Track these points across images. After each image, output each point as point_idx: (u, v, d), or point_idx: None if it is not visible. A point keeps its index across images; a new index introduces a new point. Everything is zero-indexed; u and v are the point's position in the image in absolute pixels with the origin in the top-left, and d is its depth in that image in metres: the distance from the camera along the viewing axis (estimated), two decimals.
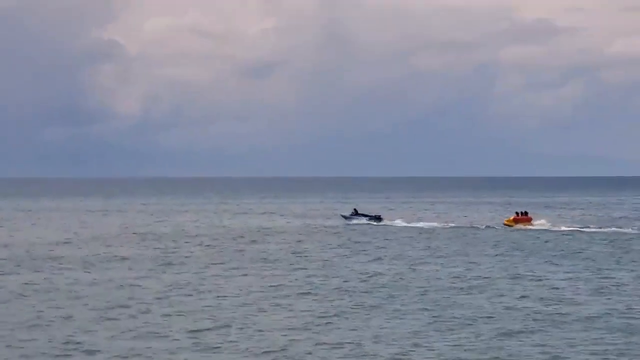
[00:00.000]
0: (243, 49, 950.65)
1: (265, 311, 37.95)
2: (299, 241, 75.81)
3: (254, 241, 75.67)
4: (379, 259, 60.71)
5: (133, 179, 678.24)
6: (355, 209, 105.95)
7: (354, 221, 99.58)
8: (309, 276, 50.26)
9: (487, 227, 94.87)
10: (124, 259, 60.64)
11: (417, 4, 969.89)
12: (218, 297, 42.34)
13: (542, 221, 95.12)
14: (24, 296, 43.18)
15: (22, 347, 31.12)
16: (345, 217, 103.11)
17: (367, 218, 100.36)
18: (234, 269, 54.36)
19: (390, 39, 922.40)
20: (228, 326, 34.42)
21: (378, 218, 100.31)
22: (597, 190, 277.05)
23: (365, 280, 48.43)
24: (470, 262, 58.45)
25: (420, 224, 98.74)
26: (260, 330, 33.51)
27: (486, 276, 50.58)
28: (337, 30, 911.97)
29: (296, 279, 48.95)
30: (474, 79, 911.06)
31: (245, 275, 51.19)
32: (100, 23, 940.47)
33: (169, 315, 37.26)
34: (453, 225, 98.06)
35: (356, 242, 74.69)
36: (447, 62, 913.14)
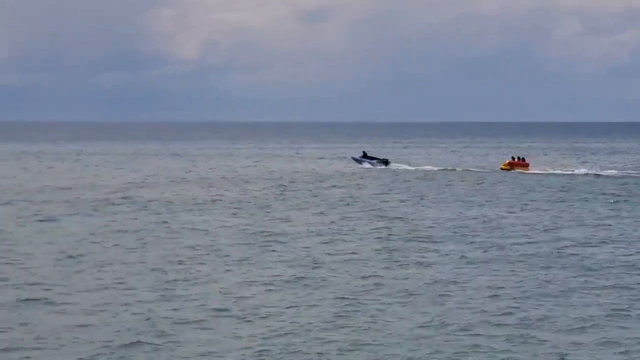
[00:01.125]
0: None
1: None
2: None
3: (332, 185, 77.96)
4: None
5: (191, 123, 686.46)
6: (364, 152, 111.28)
7: (365, 164, 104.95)
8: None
9: (486, 170, 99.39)
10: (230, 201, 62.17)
11: None
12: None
13: (537, 170, 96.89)
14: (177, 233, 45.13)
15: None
16: (355, 160, 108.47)
17: (375, 161, 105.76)
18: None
19: None
20: None
21: (386, 162, 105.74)
22: None
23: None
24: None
25: (427, 167, 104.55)
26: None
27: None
28: None
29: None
30: (531, 23, 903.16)
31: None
32: None
33: None
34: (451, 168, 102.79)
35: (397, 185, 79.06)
36: (504, 5, 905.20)
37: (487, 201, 63.36)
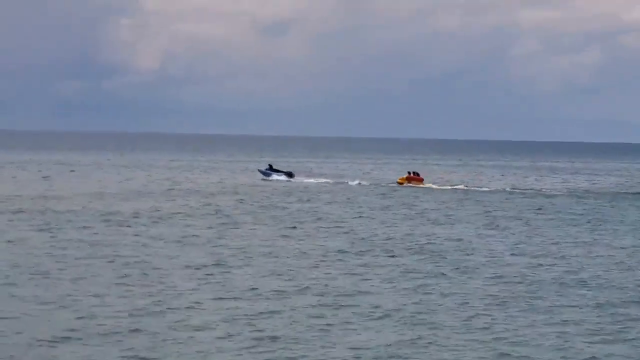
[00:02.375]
0: (260, 5, 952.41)
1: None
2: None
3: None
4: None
5: (148, 134, 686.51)
6: (270, 164, 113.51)
7: (273, 177, 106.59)
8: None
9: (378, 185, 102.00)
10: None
11: None
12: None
13: (430, 184, 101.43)
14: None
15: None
16: (261, 172, 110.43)
17: (281, 174, 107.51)
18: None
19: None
20: None
21: (290, 174, 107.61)
22: (600, 156, 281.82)
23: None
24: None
25: (322, 180, 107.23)
26: None
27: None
28: None
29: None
30: (492, 41, 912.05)
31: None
32: None
33: None
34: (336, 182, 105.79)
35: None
36: (465, 23, 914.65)
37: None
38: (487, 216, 65.72)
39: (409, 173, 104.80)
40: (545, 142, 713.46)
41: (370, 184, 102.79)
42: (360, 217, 63.43)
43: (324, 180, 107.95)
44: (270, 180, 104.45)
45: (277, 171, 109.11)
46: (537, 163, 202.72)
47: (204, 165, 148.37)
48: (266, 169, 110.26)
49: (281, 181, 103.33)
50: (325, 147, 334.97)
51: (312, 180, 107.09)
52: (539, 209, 72.74)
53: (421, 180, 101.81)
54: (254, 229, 54.23)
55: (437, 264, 41.40)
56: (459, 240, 50.58)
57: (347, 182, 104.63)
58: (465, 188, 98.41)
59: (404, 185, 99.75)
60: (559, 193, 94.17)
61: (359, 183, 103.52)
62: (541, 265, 41.73)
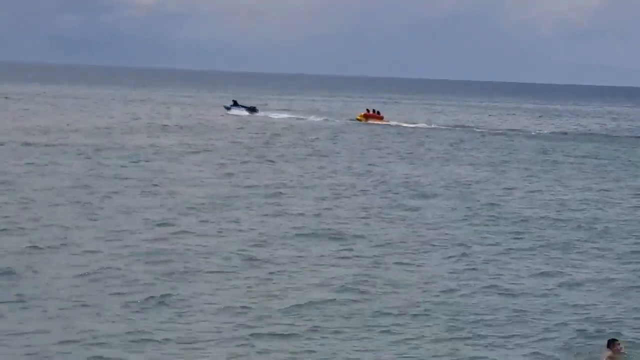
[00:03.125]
0: None
1: None
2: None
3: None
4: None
5: (144, 69, 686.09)
6: (234, 100, 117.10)
7: (233, 111, 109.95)
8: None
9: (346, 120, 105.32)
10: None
11: None
12: None
13: (389, 122, 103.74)
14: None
15: None
16: (226, 108, 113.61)
17: (244, 109, 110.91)
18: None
19: None
20: None
21: (253, 109, 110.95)
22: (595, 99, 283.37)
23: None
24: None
25: (285, 115, 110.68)
26: None
27: None
28: None
29: None
30: None
31: None
32: None
33: None
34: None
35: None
36: None
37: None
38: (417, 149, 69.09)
39: (368, 110, 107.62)
40: (541, 84, 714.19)
41: (328, 119, 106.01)
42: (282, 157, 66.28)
43: (287, 115, 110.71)
44: (233, 115, 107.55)
45: (241, 106, 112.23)
46: (523, 105, 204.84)
47: (180, 101, 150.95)
48: (230, 105, 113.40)
49: (243, 115, 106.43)
50: (312, 85, 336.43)
51: (275, 115, 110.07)
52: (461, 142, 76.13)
53: (381, 118, 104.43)
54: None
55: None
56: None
57: (309, 118, 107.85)
58: (427, 126, 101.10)
59: (363, 122, 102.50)
60: (499, 131, 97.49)
61: (324, 119, 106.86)
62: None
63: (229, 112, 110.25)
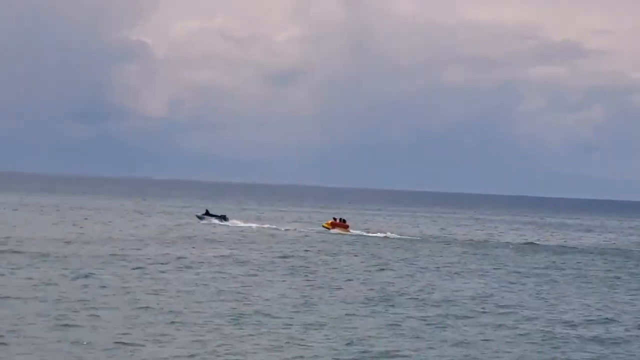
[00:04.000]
0: (268, 55, 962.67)
1: None
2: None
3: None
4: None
5: (154, 180, 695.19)
6: (207, 210, 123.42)
7: (205, 221, 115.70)
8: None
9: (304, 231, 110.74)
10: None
11: (446, 17, 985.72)
12: None
13: (358, 231, 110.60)
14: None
15: None
16: (198, 217, 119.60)
17: (215, 218, 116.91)
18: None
19: (416, 51, 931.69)
20: None
21: (224, 218, 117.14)
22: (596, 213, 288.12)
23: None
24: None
25: (255, 224, 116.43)
26: None
27: None
28: (363, 40, 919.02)
29: None
30: (499, 96, 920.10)
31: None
32: (128, 23, 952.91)
33: None
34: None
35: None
36: (472, 78, 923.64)
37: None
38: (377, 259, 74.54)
39: (334, 219, 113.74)
40: (547, 197, 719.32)
41: (298, 229, 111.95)
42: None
43: (256, 225, 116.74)
44: (205, 223, 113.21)
45: (212, 215, 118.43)
46: (515, 217, 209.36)
47: (155, 211, 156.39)
48: (202, 214, 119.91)
49: (215, 224, 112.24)
50: (306, 196, 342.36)
51: (243, 223, 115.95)
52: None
53: (347, 227, 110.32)
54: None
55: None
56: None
57: (277, 228, 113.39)
58: (388, 236, 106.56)
59: (331, 230, 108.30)
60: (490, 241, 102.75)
61: (288, 229, 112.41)
62: None
63: (201, 221, 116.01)
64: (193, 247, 76.26)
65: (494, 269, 69.84)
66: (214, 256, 68.98)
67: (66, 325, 36.37)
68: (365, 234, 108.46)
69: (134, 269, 57.47)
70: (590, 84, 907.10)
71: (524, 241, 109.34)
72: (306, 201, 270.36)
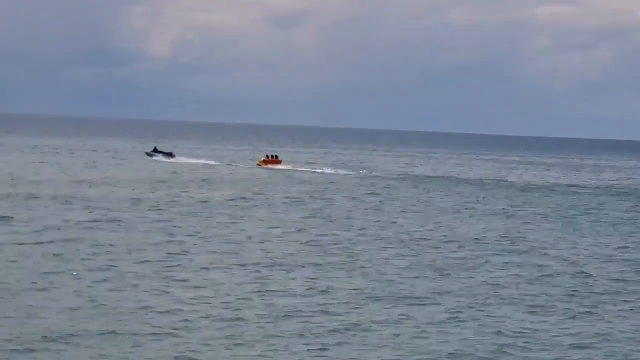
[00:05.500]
0: None
1: None
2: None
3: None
4: None
5: (160, 122, 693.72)
6: (155, 147, 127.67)
7: (154, 158, 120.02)
8: None
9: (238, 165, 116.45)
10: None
11: None
12: None
13: (289, 166, 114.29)
14: None
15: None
16: (147, 154, 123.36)
17: (162, 155, 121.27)
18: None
19: None
20: None
21: (171, 155, 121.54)
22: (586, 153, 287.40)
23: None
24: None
25: (202, 161, 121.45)
26: None
27: None
28: None
29: None
30: (505, 36, 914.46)
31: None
32: None
33: None
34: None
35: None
36: (479, 19, 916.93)
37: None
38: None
39: (267, 156, 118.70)
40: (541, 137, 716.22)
41: (236, 165, 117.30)
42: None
43: (203, 161, 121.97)
44: (153, 160, 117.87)
45: (160, 152, 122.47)
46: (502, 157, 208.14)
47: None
48: (151, 151, 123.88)
49: (162, 161, 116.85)
50: (295, 137, 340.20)
51: (190, 160, 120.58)
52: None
53: (279, 162, 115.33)
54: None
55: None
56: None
57: (220, 164, 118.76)
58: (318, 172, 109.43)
59: (262, 167, 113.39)
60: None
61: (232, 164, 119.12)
62: None
63: (151, 158, 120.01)
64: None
65: (516, 209, 69.05)
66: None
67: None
68: (300, 169, 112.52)
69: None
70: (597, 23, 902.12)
71: (536, 182, 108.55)
72: (319, 142, 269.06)
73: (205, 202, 63.92)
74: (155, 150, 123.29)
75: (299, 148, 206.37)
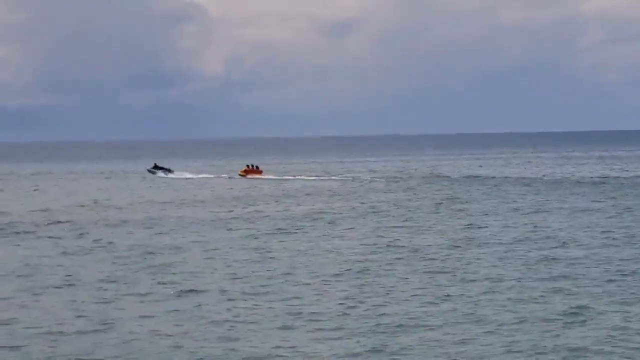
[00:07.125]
0: (322, 7, 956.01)
1: None
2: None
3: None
4: None
5: (217, 140, 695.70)
6: (155, 163, 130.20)
7: (158, 174, 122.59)
8: None
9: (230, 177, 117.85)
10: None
11: None
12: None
13: (271, 175, 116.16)
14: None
15: None
16: (149, 171, 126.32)
17: (162, 171, 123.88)
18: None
19: None
20: None
21: (169, 170, 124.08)
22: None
23: None
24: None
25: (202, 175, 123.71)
26: None
27: None
28: None
29: None
30: (556, 32, 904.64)
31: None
32: None
33: None
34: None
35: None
36: (529, 16, 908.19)
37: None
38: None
39: (247, 166, 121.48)
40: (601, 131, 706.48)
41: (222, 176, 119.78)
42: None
43: (203, 175, 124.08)
44: (154, 175, 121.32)
45: (161, 168, 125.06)
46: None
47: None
48: (152, 167, 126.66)
49: (162, 176, 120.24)
50: (338, 148, 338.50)
51: (188, 175, 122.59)
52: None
53: (260, 172, 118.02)
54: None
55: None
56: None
57: (217, 176, 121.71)
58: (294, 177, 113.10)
59: (245, 177, 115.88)
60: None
61: (227, 177, 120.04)
62: None
63: (154, 174, 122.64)
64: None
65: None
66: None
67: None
68: (277, 177, 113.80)
69: None
70: None
71: (601, 176, 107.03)
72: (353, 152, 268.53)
73: (292, 217, 63.92)
74: (156, 167, 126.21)
75: (388, 156, 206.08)
